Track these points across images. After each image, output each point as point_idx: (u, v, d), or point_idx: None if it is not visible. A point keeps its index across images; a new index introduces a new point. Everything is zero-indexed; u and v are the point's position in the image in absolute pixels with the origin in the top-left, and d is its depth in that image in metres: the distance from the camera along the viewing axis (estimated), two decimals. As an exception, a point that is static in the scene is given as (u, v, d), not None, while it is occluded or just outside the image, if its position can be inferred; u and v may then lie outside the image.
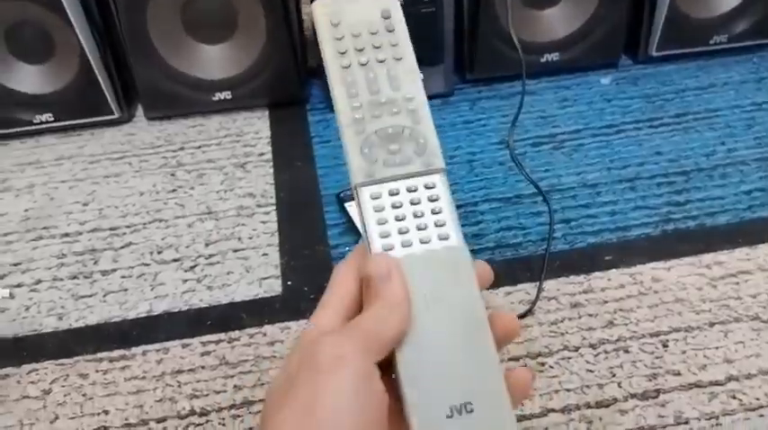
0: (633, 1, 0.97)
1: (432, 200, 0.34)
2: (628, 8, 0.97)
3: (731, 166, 0.81)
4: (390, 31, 0.37)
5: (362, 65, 0.36)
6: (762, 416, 0.54)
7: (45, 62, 0.91)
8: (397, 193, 0.34)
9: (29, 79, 0.92)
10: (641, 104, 0.93)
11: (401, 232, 0.33)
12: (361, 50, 0.36)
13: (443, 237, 0.33)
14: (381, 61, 0.36)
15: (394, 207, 0.33)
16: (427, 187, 0.34)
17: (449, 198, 0.34)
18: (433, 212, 0.33)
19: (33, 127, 0.94)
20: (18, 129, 0.94)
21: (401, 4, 0.37)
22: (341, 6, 0.37)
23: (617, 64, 1.01)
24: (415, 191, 0.34)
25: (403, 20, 0.37)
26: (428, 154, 0.34)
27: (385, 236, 0.33)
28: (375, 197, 0.34)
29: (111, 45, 0.93)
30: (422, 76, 0.36)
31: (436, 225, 0.33)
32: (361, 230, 0.34)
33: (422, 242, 0.33)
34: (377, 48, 0.36)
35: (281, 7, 0.89)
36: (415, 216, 0.33)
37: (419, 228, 0.33)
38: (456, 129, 0.91)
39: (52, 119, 0.94)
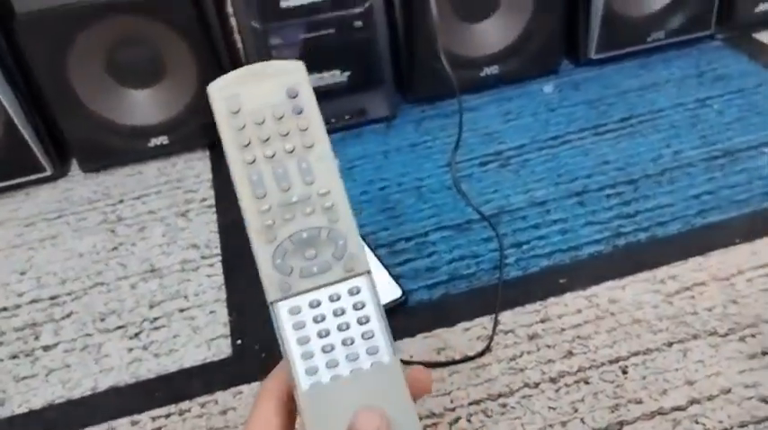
0: (568, 5, 0.96)
1: (357, 308, 0.31)
2: (563, 13, 0.96)
3: (678, 170, 0.80)
4: (299, 113, 0.33)
5: (268, 158, 0.32)
6: (733, 437, 0.53)
7: (-33, 126, 0.87)
8: (319, 305, 0.31)
9: (-49, 144, 0.88)
10: (585, 111, 0.92)
11: (325, 351, 0.31)
12: (266, 141, 0.32)
13: (372, 352, 0.31)
14: (290, 151, 0.32)
15: (316, 321, 0.31)
16: (351, 293, 0.31)
17: (376, 303, 0.31)
18: (360, 322, 0.31)
19: (-38, 193, 0.90)
20: (-54, 197, 0.90)
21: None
22: (240, 88, 0.32)
23: (558, 70, 1.00)
24: (338, 299, 0.31)
25: (313, 96, 0.33)
26: (349, 256, 0.32)
27: (308, 357, 0.31)
28: (294, 312, 0.31)
29: (36, 100, 0.89)
30: (338, 161, 0.34)
31: (364, 337, 0.31)
32: (281, 349, 0.31)
33: (349, 360, 0.31)
34: (284, 136, 0.32)
35: (209, 45, 0.86)
36: (340, 329, 0.31)
37: (345, 344, 0.31)
38: (402, 153, 0.89)
39: (-19, 183, 0.90)
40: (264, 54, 0.86)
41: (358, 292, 0.32)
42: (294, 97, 0.33)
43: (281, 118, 0.32)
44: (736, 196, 0.75)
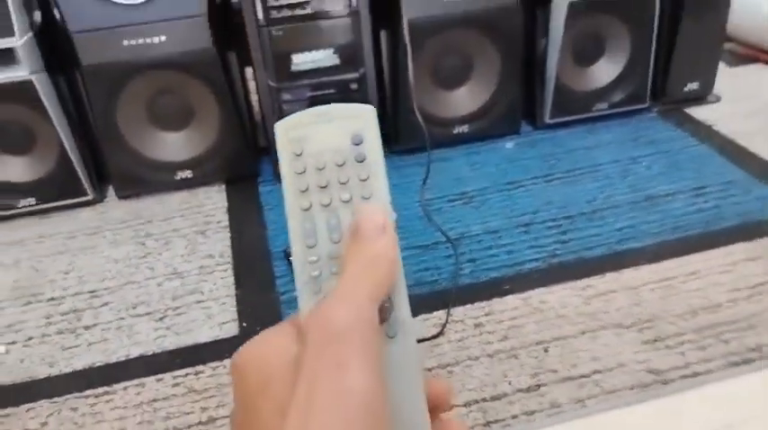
0: (527, 80, 1.18)
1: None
2: (523, 85, 1.17)
3: (608, 209, 0.99)
4: (360, 162, 0.31)
5: (324, 206, 0.31)
6: (619, 397, 0.69)
7: (28, 154, 1.06)
8: None
9: (14, 169, 1.06)
10: (538, 163, 1.12)
11: None
12: (324, 188, 0.31)
13: None
14: (346, 201, 0.31)
15: None
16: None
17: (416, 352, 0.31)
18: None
19: (17, 210, 1.08)
20: (3, 213, 1.07)
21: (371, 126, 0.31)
22: (306, 130, 0.31)
23: (519, 131, 1.21)
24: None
25: (379, 144, 0.31)
26: (394, 318, 0.30)
27: None
28: None
29: (85, 136, 1.08)
30: (395, 215, 0.31)
31: None
32: None
33: None
34: (342, 184, 0.31)
35: (231, 98, 1.06)
36: None
37: None
38: (385, 192, 1.08)
39: (34, 202, 1.08)
40: (276, 107, 1.06)
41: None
42: (358, 144, 0.31)
43: (342, 165, 0.31)
44: (650, 230, 0.93)
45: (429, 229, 0.96)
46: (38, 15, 0.98)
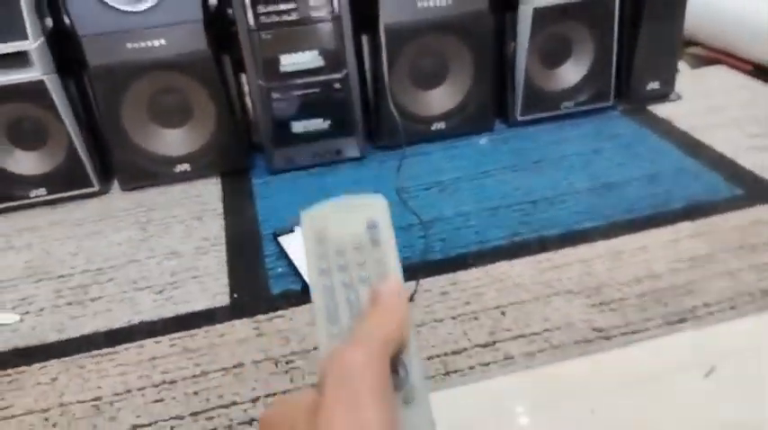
0: (498, 80, 1.27)
1: None
2: (495, 85, 1.26)
3: (568, 195, 1.08)
4: (376, 244, 0.35)
5: (345, 285, 0.34)
6: (565, 351, 0.78)
7: (40, 148, 1.15)
8: None
9: (26, 163, 1.16)
10: (508, 156, 1.21)
11: None
12: (344, 268, 0.35)
13: None
14: (364, 280, 0.34)
15: None
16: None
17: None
18: None
19: (29, 200, 1.17)
20: (17, 203, 1.17)
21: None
22: (327, 219, 0.36)
23: (493, 128, 1.30)
24: None
25: (391, 230, 0.36)
26: (410, 387, 0.32)
27: None
28: None
29: (92, 132, 1.18)
30: (407, 288, 0.37)
31: None
32: None
33: None
34: (360, 265, 0.35)
35: (225, 97, 1.16)
36: None
37: None
38: (367, 182, 1.17)
39: (45, 193, 1.17)
40: (267, 105, 1.16)
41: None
42: (373, 228, 0.35)
43: (360, 248, 0.35)
44: (605, 212, 1.02)
45: (406, 214, 1.06)
46: (49, 21, 1.08)
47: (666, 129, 1.26)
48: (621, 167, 1.14)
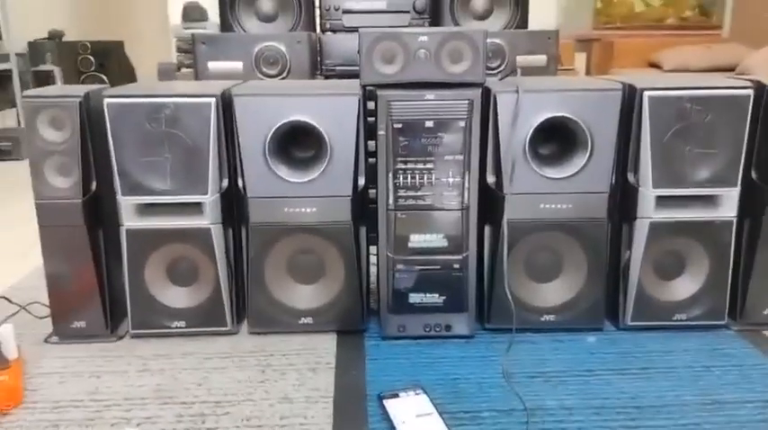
0: (612, 283, 1.33)
1: None
2: (608, 288, 1.32)
3: (675, 406, 1.07)
4: None
5: None
6: None
7: (189, 285, 1.32)
8: None
9: (175, 297, 1.32)
10: (615, 358, 1.23)
11: None
12: None
13: None
14: None
15: None
16: None
17: None
18: None
19: (169, 330, 1.31)
20: (158, 331, 1.32)
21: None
22: None
23: (602, 328, 1.34)
24: None
25: None
26: None
27: None
28: None
29: (236, 279, 1.34)
30: None
31: None
32: None
33: None
34: None
35: (357, 263, 1.29)
36: None
37: None
38: (473, 360, 1.23)
39: (184, 325, 1.31)
40: (391, 275, 1.27)
41: None
42: None
43: None
44: (713, 429, 1.00)
45: (509, 397, 1.09)
46: (225, 182, 1.29)
47: (784, 356, 1.24)
48: (733, 387, 1.13)
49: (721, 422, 1.03)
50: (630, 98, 1.25)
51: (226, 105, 1.24)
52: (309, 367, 1.21)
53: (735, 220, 1.28)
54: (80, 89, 1.25)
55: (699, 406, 1.07)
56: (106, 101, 1.21)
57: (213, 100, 1.22)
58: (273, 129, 1.22)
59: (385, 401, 1.07)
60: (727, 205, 1.27)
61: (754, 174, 1.29)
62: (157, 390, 1.14)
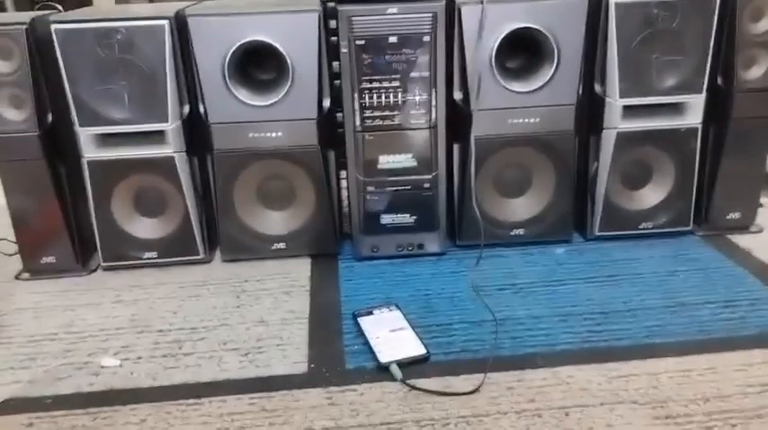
0: (579, 195, 1.34)
1: None
2: (575, 200, 1.33)
3: (641, 310, 1.11)
4: None
5: None
6: (625, 458, 0.79)
7: (158, 216, 1.30)
8: None
9: (144, 228, 1.30)
10: (583, 267, 1.26)
11: None
12: None
13: None
14: None
15: None
16: None
17: None
18: None
19: (141, 261, 1.31)
20: (130, 262, 1.31)
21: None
22: None
23: (570, 240, 1.36)
24: None
25: None
26: None
27: None
28: None
29: (204, 207, 1.32)
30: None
31: None
32: None
33: None
34: None
35: (326, 188, 1.28)
36: None
37: None
38: (443, 276, 1.24)
39: (156, 256, 1.31)
40: (361, 197, 1.27)
41: None
42: None
43: None
44: (677, 330, 1.04)
45: (479, 309, 1.12)
46: (186, 108, 1.25)
47: (744, 258, 1.27)
48: (696, 290, 1.16)
49: (684, 322, 1.06)
50: (596, 6, 1.22)
51: (181, 27, 1.19)
52: (284, 291, 1.22)
53: (700, 127, 1.28)
54: (26, 16, 1.19)
55: (663, 308, 1.11)
56: (54, 27, 1.15)
57: (166, 22, 1.16)
58: (231, 51, 1.17)
59: (359, 319, 1.09)
60: (693, 112, 1.27)
61: (719, 80, 1.28)
62: (133, 320, 1.15)
